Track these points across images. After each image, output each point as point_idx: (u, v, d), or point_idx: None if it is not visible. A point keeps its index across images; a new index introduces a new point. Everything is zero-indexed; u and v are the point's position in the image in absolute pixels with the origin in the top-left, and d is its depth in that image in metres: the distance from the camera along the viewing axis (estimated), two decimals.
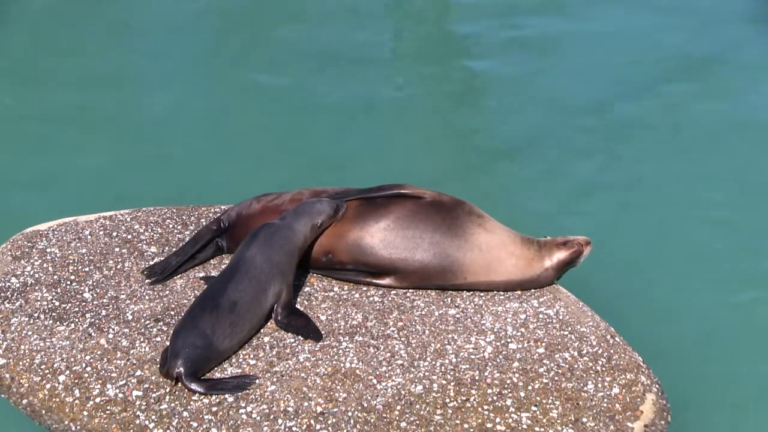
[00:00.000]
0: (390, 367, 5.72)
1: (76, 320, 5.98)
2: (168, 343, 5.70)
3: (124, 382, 5.61)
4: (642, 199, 8.62)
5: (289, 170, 8.85)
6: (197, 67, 10.45)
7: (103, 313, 6.04)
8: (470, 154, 9.38)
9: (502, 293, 6.25)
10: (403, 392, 5.58)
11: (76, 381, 5.64)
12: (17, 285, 6.24)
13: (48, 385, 5.65)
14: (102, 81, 10.14)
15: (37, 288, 6.21)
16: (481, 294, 6.24)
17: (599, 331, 6.04)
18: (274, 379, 5.63)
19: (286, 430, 5.38)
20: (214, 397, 5.51)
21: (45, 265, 6.38)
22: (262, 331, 5.89)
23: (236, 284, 5.77)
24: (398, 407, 5.50)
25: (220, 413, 5.45)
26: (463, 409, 5.51)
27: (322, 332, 5.91)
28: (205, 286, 6.17)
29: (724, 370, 7.01)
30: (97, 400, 5.55)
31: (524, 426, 5.45)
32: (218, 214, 6.74)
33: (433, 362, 5.76)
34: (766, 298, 7.60)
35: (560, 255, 6.29)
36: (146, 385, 5.59)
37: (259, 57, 10.71)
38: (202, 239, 6.42)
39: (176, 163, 8.91)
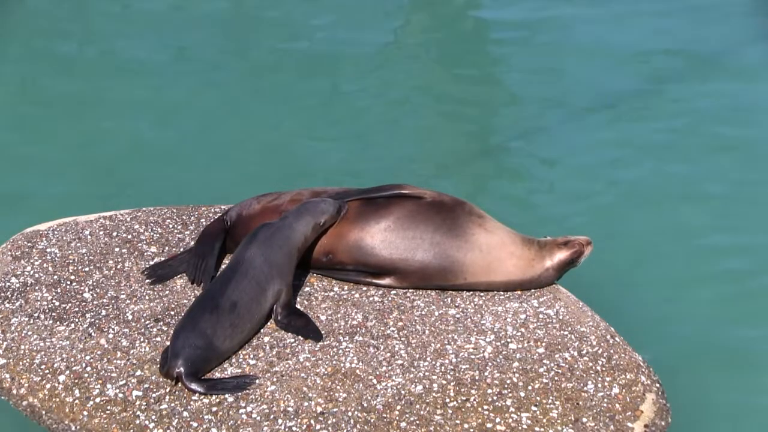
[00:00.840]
0: (390, 367, 5.72)
1: (76, 320, 5.98)
2: (168, 343, 5.70)
3: (124, 382, 5.61)
4: (643, 198, 8.62)
5: (289, 170, 8.85)
6: (197, 67, 10.44)
7: (103, 313, 6.03)
8: (470, 153, 9.37)
9: (502, 293, 6.24)
10: (403, 392, 5.58)
11: (76, 381, 5.64)
12: (17, 285, 6.23)
13: (48, 385, 5.64)
14: (102, 81, 10.14)
15: (37, 288, 6.21)
16: (481, 294, 6.23)
17: (599, 331, 6.03)
18: (274, 379, 5.62)
19: (286, 430, 5.38)
20: (214, 397, 5.51)
21: (45, 265, 6.37)
22: (262, 331, 5.88)
23: (236, 284, 5.77)
24: (398, 407, 5.50)
25: (220, 413, 5.44)
26: (463, 409, 5.51)
27: (322, 332, 5.90)
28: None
29: (724, 370, 7.00)
30: (97, 400, 5.54)
31: (524, 426, 5.45)
32: (218, 214, 6.74)
33: (433, 362, 5.76)
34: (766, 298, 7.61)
35: (561, 255, 6.28)
36: (146, 385, 5.59)
37: (260, 57, 10.71)
38: (216, 238, 6.37)
39: (176, 163, 8.91)
